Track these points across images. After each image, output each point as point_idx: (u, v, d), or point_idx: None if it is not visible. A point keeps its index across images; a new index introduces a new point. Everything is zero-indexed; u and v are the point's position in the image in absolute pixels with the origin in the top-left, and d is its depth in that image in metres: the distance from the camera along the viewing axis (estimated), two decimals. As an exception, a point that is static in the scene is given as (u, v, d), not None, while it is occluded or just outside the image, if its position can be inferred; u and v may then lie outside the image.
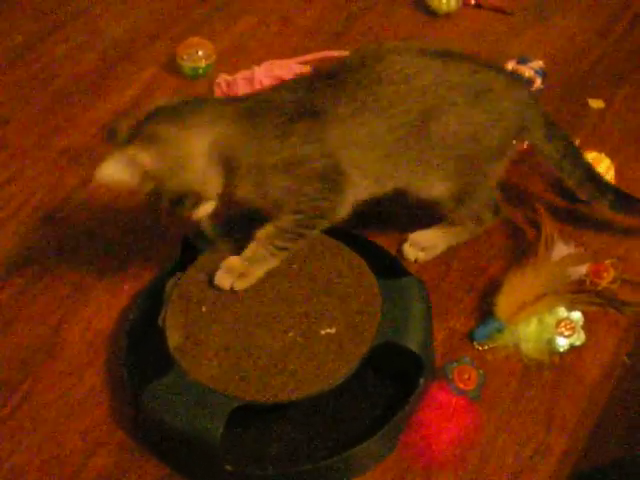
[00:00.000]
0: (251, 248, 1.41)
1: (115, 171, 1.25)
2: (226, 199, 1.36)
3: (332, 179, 1.36)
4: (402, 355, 1.32)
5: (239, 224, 1.46)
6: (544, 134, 1.48)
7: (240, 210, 1.43)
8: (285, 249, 1.40)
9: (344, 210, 1.41)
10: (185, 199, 1.31)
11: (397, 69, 1.36)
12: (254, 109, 1.33)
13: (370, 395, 1.35)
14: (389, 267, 1.47)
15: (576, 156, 1.52)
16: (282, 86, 1.44)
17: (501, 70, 1.48)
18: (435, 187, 1.45)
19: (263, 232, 1.40)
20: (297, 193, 1.35)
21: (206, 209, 1.34)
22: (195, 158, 1.29)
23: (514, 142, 1.47)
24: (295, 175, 1.34)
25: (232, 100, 1.37)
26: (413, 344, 1.32)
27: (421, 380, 1.31)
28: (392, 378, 1.36)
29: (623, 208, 1.55)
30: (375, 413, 1.32)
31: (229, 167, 1.32)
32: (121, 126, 1.30)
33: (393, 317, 1.35)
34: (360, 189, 1.40)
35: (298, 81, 1.41)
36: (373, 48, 1.40)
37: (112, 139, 1.30)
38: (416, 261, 1.56)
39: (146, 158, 1.26)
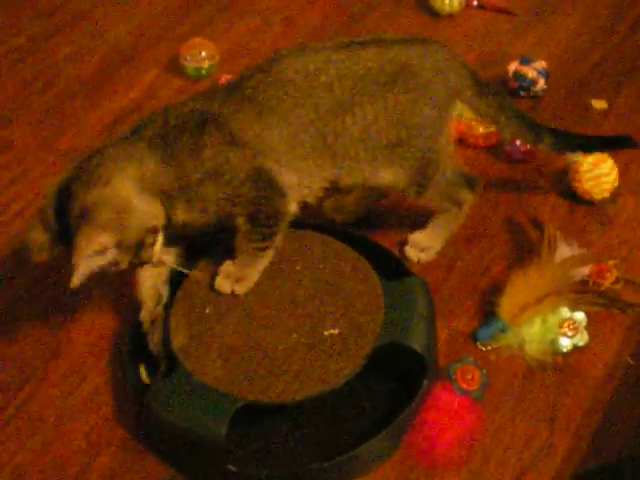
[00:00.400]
0: (239, 256, 1.42)
1: (90, 267, 1.25)
2: (179, 228, 1.35)
3: (263, 180, 1.34)
4: (405, 355, 1.32)
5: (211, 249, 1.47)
6: (474, 92, 1.44)
7: (203, 237, 1.43)
8: (266, 247, 1.40)
9: (292, 206, 1.39)
10: (145, 240, 1.29)
11: (296, 68, 1.33)
12: (159, 136, 1.32)
13: (373, 395, 1.35)
14: (392, 268, 1.47)
15: (509, 107, 1.48)
16: (177, 104, 1.38)
17: (414, 40, 1.41)
18: (382, 176, 1.42)
19: (237, 241, 1.40)
20: (235, 199, 1.34)
21: (160, 244, 1.32)
22: (131, 201, 1.27)
23: (450, 110, 1.42)
24: (224, 182, 1.33)
25: (133, 135, 1.32)
26: (416, 344, 1.32)
27: (424, 380, 1.31)
28: (395, 378, 1.36)
29: (564, 146, 1.53)
30: (378, 413, 1.33)
31: (164, 196, 1.31)
32: (43, 217, 1.29)
33: (396, 318, 1.35)
34: (296, 186, 1.39)
35: (194, 97, 1.39)
36: (271, 56, 1.37)
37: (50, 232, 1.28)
38: (419, 262, 1.56)
39: (103, 237, 1.24)
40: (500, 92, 1.49)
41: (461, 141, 1.78)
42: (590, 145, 1.55)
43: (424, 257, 1.56)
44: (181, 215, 1.34)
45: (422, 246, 1.56)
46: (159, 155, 1.30)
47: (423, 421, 1.31)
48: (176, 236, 1.37)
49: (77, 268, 1.22)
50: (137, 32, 2.18)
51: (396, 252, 1.56)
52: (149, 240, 1.29)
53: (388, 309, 1.36)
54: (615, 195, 1.65)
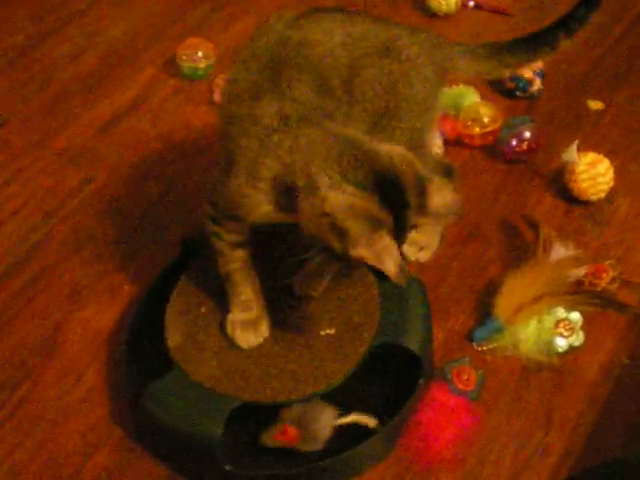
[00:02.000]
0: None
1: None
2: None
3: None
4: (401, 355, 1.32)
5: None
6: (468, 62, 1.43)
7: None
8: None
9: None
10: None
11: (317, 32, 1.30)
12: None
13: (369, 395, 1.35)
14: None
15: (501, 48, 1.46)
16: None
17: (397, 23, 1.43)
18: None
19: None
20: None
21: None
22: None
23: (438, 94, 1.41)
24: None
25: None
26: (412, 344, 1.33)
27: (420, 380, 1.32)
28: (391, 378, 1.36)
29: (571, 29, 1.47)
30: (374, 413, 1.32)
31: None
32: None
33: (392, 318, 1.35)
34: None
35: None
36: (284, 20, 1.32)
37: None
38: (417, 261, 1.56)
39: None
40: (485, 46, 1.46)
41: (457, 141, 1.78)
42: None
43: (423, 256, 1.56)
44: None
45: (420, 244, 1.56)
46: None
47: (419, 421, 1.31)
48: None
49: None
50: (133, 32, 2.17)
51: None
52: None
53: (384, 309, 1.36)
54: (611, 196, 1.65)
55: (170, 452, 1.31)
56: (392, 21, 1.41)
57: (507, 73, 1.51)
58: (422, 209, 1.16)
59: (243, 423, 1.29)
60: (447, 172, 1.50)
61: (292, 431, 1.25)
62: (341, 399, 1.31)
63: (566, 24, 1.46)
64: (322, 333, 1.34)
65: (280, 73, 1.24)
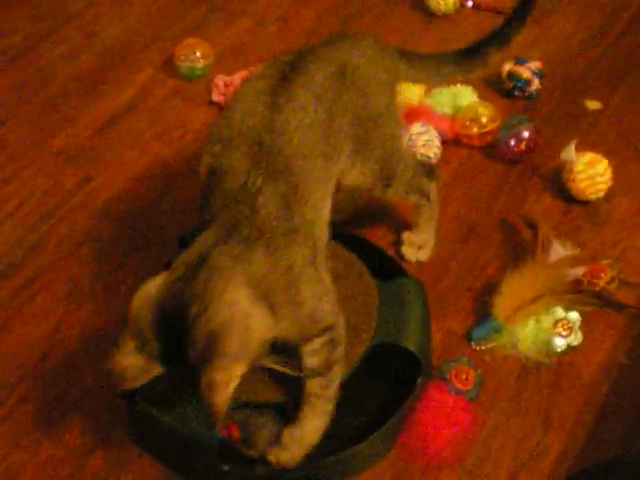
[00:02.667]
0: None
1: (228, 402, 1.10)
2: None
3: None
4: (400, 355, 1.32)
5: None
6: (407, 66, 1.45)
7: None
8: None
9: None
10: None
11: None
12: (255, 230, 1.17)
13: (368, 395, 1.35)
14: (387, 268, 1.47)
15: (434, 59, 1.50)
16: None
17: (338, 38, 1.43)
18: (351, 175, 1.37)
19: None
20: None
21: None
22: (251, 316, 1.11)
23: (395, 93, 1.43)
24: None
25: (228, 234, 1.14)
26: (411, 344, 1.33)
27: (419, 380, 1.32)
28: (390, 378, 1.36)
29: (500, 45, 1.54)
30: (373, 413, 1.32)
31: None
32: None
33: (391, 318, 1.35)
34: None
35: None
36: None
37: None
38: (417, 260, 1.56)
39: (239, 367, 1.08)
40: (423, 56, 1.50)
41: (455, 141, 1.78)
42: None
43: (422, 255, 1.56)
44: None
45: (418, 243, 1.56)
46: (261, 254, 1.15)
47: (417, 421, 1.31)
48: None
49: (221, 409, 1.07)
50: (131, 32, 2.17)
51: (391, 252, 1.56)
52: (263, 351, 1.15)
53: (382, 309, 1.36)
54: (609, 195, 1.65)
55: (168, 452, 1.30)
56: (331, 41, 1.40)
57: (442, 84, 1.58)
58: None
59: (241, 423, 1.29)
60: (429, 172, 1.51)
61: (235, 432, 1.25)
62: (340, 399, 1.31)
63: (498, 38, 1.54)
64: (320, 333, 1.34)
65: (260, 163, 1.20)
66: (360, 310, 1.36)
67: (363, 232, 1.58)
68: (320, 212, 1.26)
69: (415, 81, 1.56)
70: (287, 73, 1.29)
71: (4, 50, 2.12)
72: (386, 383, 1.36)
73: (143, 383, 1.13)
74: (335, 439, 1.28)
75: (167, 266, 1.46)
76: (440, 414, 1.31)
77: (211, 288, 1.09)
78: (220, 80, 1.92)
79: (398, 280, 1.42)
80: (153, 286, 1.13)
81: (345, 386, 1.28)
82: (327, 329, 1.22)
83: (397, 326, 1.34)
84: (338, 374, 1.25)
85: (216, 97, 1.91)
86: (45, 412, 1.38)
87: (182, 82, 2.00)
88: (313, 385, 1.24)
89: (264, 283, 1.13)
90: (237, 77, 1.91)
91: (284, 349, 1.21)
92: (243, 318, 1.09)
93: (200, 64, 1.99)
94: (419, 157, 1.67)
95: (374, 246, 1.53)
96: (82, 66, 2.07)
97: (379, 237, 1.59)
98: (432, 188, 1.51)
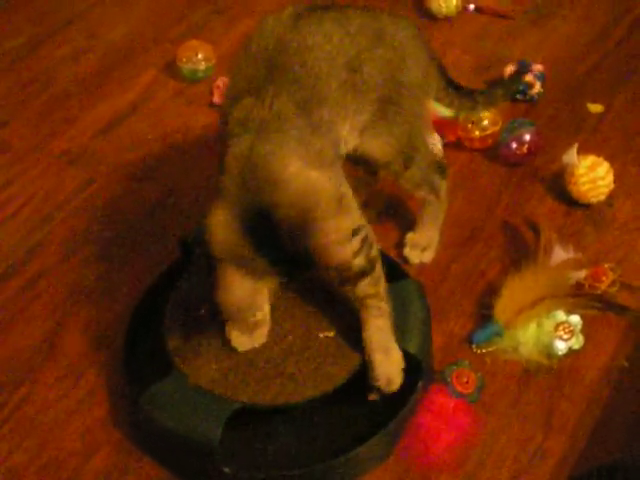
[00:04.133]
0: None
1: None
2: None
3: None
4: (401, 358, 1.32)
5: None
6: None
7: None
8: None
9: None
10: None
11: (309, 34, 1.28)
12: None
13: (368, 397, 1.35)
14: (388, 270, 1.46)
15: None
16: None
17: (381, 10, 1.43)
18: (373, 145, 1.38)
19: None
20: None
21: None
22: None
23: (431, 81, 1.45)
24: None
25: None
26: (412, 347, 1.32)
27: (420, 383, 1.31)
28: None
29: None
30: (373, 416, 1.32)
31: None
32: None
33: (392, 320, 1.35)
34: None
35: None
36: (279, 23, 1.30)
37: None
38: (421, 262, 1.55)
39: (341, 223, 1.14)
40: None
41: (457, 144, 1.78)
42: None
43: (426, 257, 1.57)
44: None
45: (421, 245, 1.56)
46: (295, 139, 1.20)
47: (418, 424, 1.30)
48: None
49: (356, 263, 1.21)
50: (133, 34, 2.18)
51: (392, 254, 1.56)
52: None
53: (384, 311, 1.36)
54: (611, 198, 1.65)
55: (169, 454, 1.30)
56: (377, 9, 1.41)
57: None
58: None
59: (242, 426, 1.29)
60: (441, 170, 1.52)
61: None
62: (340, 402, 1.32)
63: (487, 95, 1.59)
64: (321, 336, 1.34)
65: (272, 79, 1.22)
66: (361, 313, 1.36)
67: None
68: (338, 133, 1.28)
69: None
70: (319, 7, 1.31)
71: (6, 52, 2.13)
72: (387, 386, 1.36)
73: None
74: (334, 442, 1.29)
75: (168, 268, 1.48)
76: (441, 417, 1.31)
77: (272, 177, 1.13)
78: (222, 82, 1.92)
79: (399, 282, 1.42)
80: (218, 214, 1.15)
81: (345, 389, 1.28)
82: (358, 228, 1.22)
83: (398, 329, 1.34)
84: (382, 272, 1.30)
85: (218, 99, 1.91)
86: (46, 414, 1.38)
87: (184, 84, 2.00)
88: (363, 288, 1.29)
89: (308, 157, 1.18)
90: (239, 79, 1.91)
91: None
92: (314, 181, 1.14)
93: (202, 66, 1.99)
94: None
95: (375, 248, 1.53)
96: (84, 68, 2.07)
97: (379, 239, 1.58)
98: (442, 186, 1.52)
